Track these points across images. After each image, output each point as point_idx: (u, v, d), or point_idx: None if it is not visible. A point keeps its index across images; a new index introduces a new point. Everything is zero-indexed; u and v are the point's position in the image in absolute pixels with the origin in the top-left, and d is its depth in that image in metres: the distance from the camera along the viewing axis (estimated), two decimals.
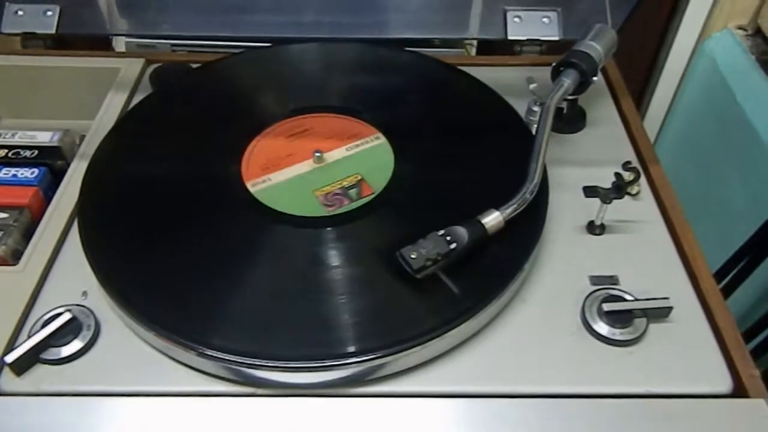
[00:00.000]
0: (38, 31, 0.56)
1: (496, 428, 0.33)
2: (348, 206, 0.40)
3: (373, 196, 0.41)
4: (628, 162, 0.41)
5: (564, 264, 0.40)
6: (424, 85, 0.49)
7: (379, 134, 0.45)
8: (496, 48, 0.58)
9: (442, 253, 0.35)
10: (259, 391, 0.34)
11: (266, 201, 0.40)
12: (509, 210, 0.38)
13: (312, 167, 0.43)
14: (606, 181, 0.41)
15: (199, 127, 0.46)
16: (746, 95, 0.99)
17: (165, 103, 0.48)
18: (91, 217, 0.40)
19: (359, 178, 0.42)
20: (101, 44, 0.62)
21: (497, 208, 0.37)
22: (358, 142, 0.44)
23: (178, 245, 0.39)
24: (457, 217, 0.37)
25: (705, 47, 1.14)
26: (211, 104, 0.48)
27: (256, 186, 0.41)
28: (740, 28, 1.41)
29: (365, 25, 0.58)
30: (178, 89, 0.50)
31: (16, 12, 0.57)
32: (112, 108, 0.51)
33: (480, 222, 0.37)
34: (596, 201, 0.42)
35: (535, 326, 0.37)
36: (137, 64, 0.55)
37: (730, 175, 0.86)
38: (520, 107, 0.48)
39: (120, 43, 0.63)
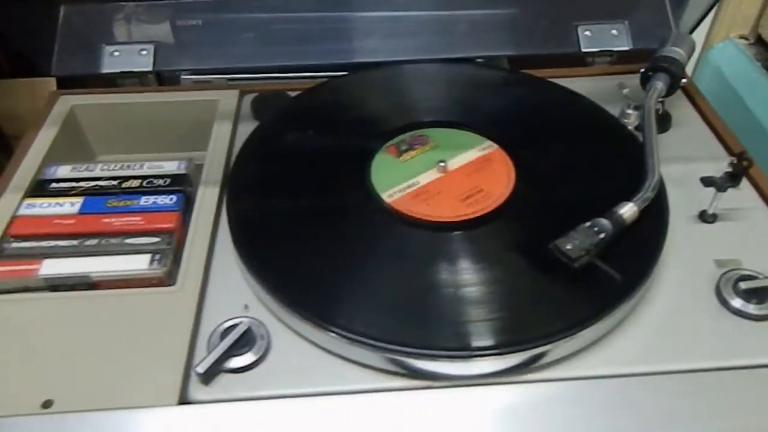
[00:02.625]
0: (135, 70, 0.59)
1: (656, 404, 0.35)
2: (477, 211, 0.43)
3: (502, 201, 0.43)
4: (744, 152, 0.44)
5: (688, 251, 0.43)
6: (527, 99, 0.53)
7: (493, 143, 0.48)
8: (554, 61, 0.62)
9: (593, 243, 0.37)
10: (435, 384, 0.36)
11: (405, 210, 0.43)
12: (640, 201, 0.40)
13: (436, 176, 0.46)
14: (700, 174, 0.45)
15: (324, 145, 0.49)
16: (756, 100, 1.04)
17: (283, 127, 0.51)
18: (246, 236, 0.42)
19: (480, 188, 0.44)
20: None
21: (629, 200, 0.40)
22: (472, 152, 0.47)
23: (333, 253, 0.41)
24: (582, 214, 0.40)
25: (709, 57, 1.19)
26: (329, 124, 0.51)
27: (392, 197, 0.44)
28: (742, 37, 1.48)
29: (429, 48, 0.61)
30: (291, 113, 0.52)
31: (112, 53, 0.59)
32: (221, 136, 0.53)
33: (618, 213, 0.39)
34: (697, 193, 0.45)
35: (675, 308, 0.40)
36: (233, 95, 0.58)
37: None
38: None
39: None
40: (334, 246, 0.41)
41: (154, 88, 0.59)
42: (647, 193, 0.41)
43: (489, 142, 0.48)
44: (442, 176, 0.46)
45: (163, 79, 0.62)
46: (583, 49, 0.60)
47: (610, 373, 0.37)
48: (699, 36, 1.26)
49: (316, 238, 0.42)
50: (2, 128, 1.18)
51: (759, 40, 1.37)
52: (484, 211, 0.42)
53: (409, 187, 0.44)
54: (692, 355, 0.37)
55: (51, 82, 1.44)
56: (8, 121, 1.16)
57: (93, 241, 0.43)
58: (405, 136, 0.49)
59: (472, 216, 0.42)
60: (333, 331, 0.36)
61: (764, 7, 1.35)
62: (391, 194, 0.44)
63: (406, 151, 0.48)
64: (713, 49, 1.21)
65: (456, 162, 0.46)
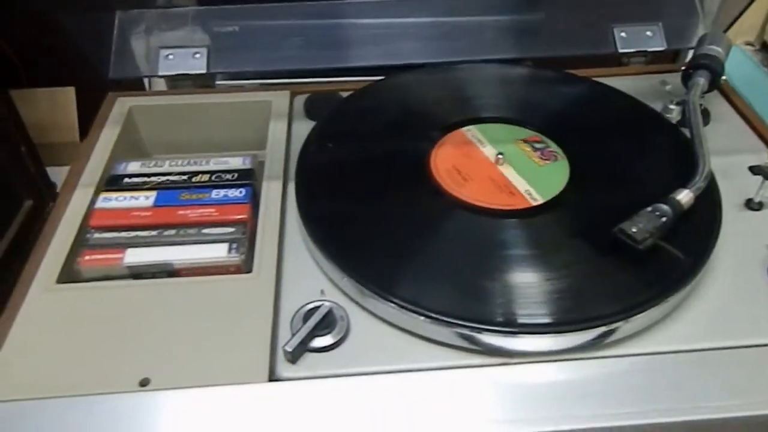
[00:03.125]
0: (190, 72, 0.61)
1: (719, 377, 0.37)
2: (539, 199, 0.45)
3: (559, 190, 0.46)
4: None
5: (738, 236, 0.45)
6: (574, 97, 0.55)
7: (546, 138, 0.50)
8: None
9: (656, 226, 0.40)
10: (513, 360, 0.38)
11: (471, 200, 0.45)
12: (695, 188, 0.43)
13: (486, 162, 0.48)
14: (740, 165, 0.47)
15: (382, 139, 0.51)
16: (763, 104, 1.07)
17: (340, 124, 0.53)
18: (321, 225, 0.44)
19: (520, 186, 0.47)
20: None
21: (685, 186, 0.43)
22: (537, 156, 0.49)
23: (404, 238, 0.43)
24: (636, 203, 0.42)
25: None
26: (384, 119, 0.53)
27: (454, 190, 0.46)
28: (748, 44, 1.51)
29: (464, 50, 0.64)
30: (349, 110, 0.55)
31: (167, 56, 0.61)
32: (278, 133, 0.55)
33: (676, 198, 0.42)
34: (740, 183, 0.48)
35: (731, 289, 0.42)
36: (284, 96, 0.60)
37: None
38: None
39: None
40: (405, 231, 0.43)
41: (207, 89, 0.62)
42: (700, 182, 0.43)
43: (543, 138, 0.50)
44: (499, 166, 0.48)
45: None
46: (620, 50, 0.62)
47: (676, 349, 0.39)
48: None
49: (387, 224, 0.44)
50: (30, 137, 1.20)
51: (764, 47, 1.40)
52: (547, 199, 0.45)
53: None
54: (751, 331, 0.39)
55: (71, 92, 1.46)
56: (30, 130, 1.18)
57: (171, 232, 0.45)
58: (459, 131, 0.51)
59: (539, 203, 0.44)
60: (414, 311, 0.38)
61: None
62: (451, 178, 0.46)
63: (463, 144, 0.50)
64: None
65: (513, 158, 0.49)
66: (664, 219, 0.40)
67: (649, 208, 0.41)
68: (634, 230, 0.39)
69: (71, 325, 0.40)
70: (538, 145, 0.50)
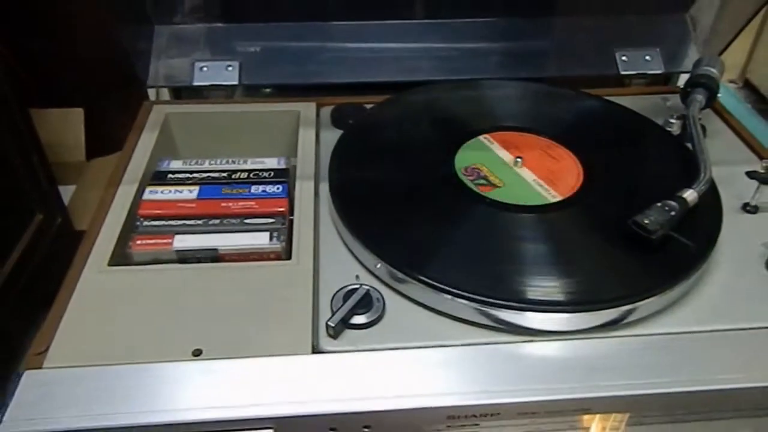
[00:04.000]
0: (223, 83, 0.65)
1: (725, 355, 0.40)
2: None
3: (575, 190, 0.50)
4: None
5: (737, 235, 0.49)
6: (585, 111, 0.60)
7: (570, 154, 0.54)
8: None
9: (667, 218, 0.44)
10: (536, 338, 0.41)
11: (496, 198, 0.49)
12: (699, 188, 0.47)
13: (506, 164, 0.52)
14: (736, 174, 0.52)
15: (408, 144, 0.55)
16: None
17: (368, 130, 0.57)
18: (357, 217, 0.47)
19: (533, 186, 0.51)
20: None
21: (690, 186, 0.47)
22: (553, 164, 0.54)
23: (430, 227, 0.46)
24: (642, 202, 0.46)
25: None
26: (409, 127, 0.57)
27: (481, 190, 0.50)
28: (731, 81, 1.59)
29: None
30: (372, 119, 0.59)
31: (201, 68, 0.65)
32: (308, 139, 0.59)
33: (683, 196, 0.46)
34: (736, 189, 0.52)
35: (733, 280, 0.46)
36: (311, 107, 0.64)
37: None
38: None
39: None
40: (434, 224, 0.47)
41: (237, 99, 0.66)
42: (702, 184, 0.48)
43: (567, 151, 0.55)
44: (517, 169, 0.52)
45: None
46: (622, 72, 0.67)
47: (685, 330, 0.42)
48: None
49: (416, 217, 0.48)
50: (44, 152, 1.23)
51: (747, 84, 1.48)
52: (565, 197, 0.49)
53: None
54: (750, 317, 0.43)
55: (79, 113, 1.50)
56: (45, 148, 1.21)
57: (215, 221, 0.48)
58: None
59: (558, 200, 0.49)
60: (446, 291, 0.41)
61: (750, 55, 1.47)
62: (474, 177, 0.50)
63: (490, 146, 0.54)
64: None
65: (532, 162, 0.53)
66: (673, 213, 0.44)
67: (659, 204, 0.45)
68: (646, 222, 0.43)
69: (125, 303, 0.43)
70: (550, 151, 0.54)
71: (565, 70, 0.68)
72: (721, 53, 0.63)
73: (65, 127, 1.40)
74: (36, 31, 1.21)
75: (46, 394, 0.37)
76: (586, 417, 0.41)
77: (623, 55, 0.68)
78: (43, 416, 0.36)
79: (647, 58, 0.68)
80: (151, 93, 0.67)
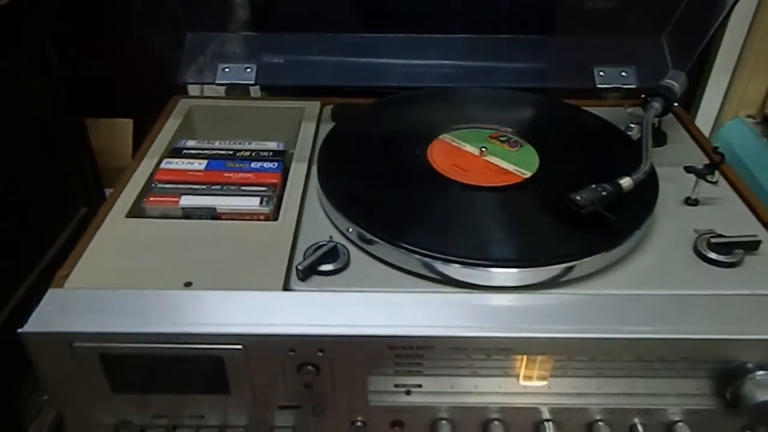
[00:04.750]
0: (241, 82, 0.75)
1: (655, 312, 0.46)
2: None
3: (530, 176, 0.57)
4: (716, 147, 0.57)
5: (674, 222, 0.55)
6: (569, 119, 0.68)
7: (528, 145, 0.61)
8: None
9: (598, 197, 0.50)
10: (475, 291, 0.48)
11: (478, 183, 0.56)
12: (635, 177, 0.53)
13: (473, 153, 0.60)
14: (689, 177, 0.58)
15: (387, 134, 0.63)
16: (764, 172, 1.18)
17: (355, 124, 0.66)
18: (334, 189, 0.55)
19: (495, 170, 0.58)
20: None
21: (629, 175, 0.53)
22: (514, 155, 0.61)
23: (393, 196, 0.54)
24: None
25: (721, 133, 1.34)
26: (388, 123, 0.65)
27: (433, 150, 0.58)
28: (749, 116, 1.63)
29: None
30: (363, 115, 0.67)
31: (224, 69, 0.75)
32: (308, 130, 0.68)
33: (618, 182, 0.52)
34: (685, 187, 0.58)
35: (663, 257, 0.52)
36: (316, 105, 0.73)
37: None
38: None
39: None
40: (399, 196, 0.55)
41: (252, 97, 0.75)
42: (640, 174, 0.54)
43: (529, 146, 0.62)
44: (480, 158, 0.59)
45: None
46: (598, 85, 0.74)
47: (611, 293, 0.48)
48: (711, 115, 1.41)
49: (386, 191, 0.56)
50: (93, 153, 1.36)
51: (765, 119, 1.52)
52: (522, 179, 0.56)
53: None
54: (672, 285, 0.49)
55: (129, 123, 1.63)
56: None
57: (217, 187, 0.57)
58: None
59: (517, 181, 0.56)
60: (405, 249, 0.49)
61: None
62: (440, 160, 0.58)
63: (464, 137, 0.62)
64: (724, 127, 1.36)
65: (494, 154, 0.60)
66: (604, 193, 0.50)
67: (594, 185, 0.51)
68: (578, 198, 0.50)
69: (136, 245, 0.51)
70: (503, 138, 0.61)
71: (547, 82, 0.75)
72: (686, 70, 0.69)
73: (114, 136, 1.54)
74: (93, 50, 1.36)
75: (64, 307, 0.46)
76: (516, 363, 0.47)
77: (601, 71, 0.75)
78: (59, 322, 0.45)
79: (623, 74, 0.75)
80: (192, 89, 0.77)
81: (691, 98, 1.39)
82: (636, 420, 0.49)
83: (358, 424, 0.49)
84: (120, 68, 1.40)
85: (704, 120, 1.39)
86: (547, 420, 0.49)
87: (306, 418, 0.49)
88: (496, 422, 0.49)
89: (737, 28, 1.30)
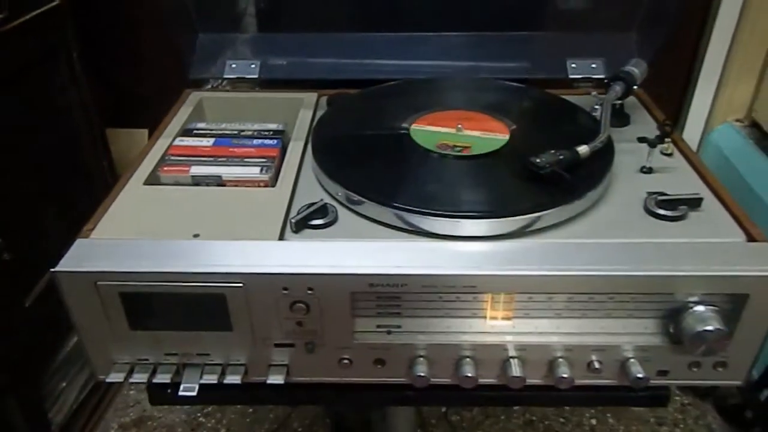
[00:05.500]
0: (247, 76, 0.83)
1: (604, 255, 0.52)
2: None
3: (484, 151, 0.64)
4: (665, 119, 0.64)
5: (629, 187, 0.62)
6: (539, 103, 0.75)
7: (503, 124, 0.68)
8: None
9: (554, 160, 0.57)
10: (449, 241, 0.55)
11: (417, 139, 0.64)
12: (592, 145, 0.60)
13: (451, 131, 0.66)
14: (645, 149, 0.64)
15: (371, 115, 0.71)
16: (753, 174, 1.24)
17: (345, 108, 0.73)
18: (326, 159, 0.63)
19: (468, 145, 0.64)
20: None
21: (586, 143, 0.60)
22: (487, 131, 0.68)
23: (377, 164, 0.62)
24: None
25: (710, 138, 1.41)
26: (373, 106, 0.73)
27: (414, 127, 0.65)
28: (738, 120, 1.69)
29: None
30: (354, 102, 0.75)
31: (231, 65, 0.84)
32: (305, 115, 0.75)
33: (575, 149, 0.59)
34: (639, 158, 0.64)
35: (616, 213, 0.58)
36: (313, 96, 0.81)
37: None
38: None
39: None
40: (381, 165, 0.62)
41: (256, 89, 0.83)
42: (597, 143, 0.61)
43: (501, 124, 0.68)
44: (457, 133, 0.66)
45: None
46: (570, 76, 0.81)
47: (568, 241, 0.55)
48: (700, 121, 1.47)
49: (369, 159, 0.63)
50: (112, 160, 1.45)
51: (753, 123, 1.58)
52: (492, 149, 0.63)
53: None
54: (620, 234, 0.55)
55: (144, 133, 1.73)
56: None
57: (222, 159, 0.64)
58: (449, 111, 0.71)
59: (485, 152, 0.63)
60: (390, 206, 0.55)
61: (756, 95, 1.56)
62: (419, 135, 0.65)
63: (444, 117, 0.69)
64: (714, 132, 1.43)
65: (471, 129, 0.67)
66: (561, 157, 0.57)
67: (553, 150, 0.58)
68: (538, 161, 0.57)
69: (152, 206, 0.59)
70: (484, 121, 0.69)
71: (525, 74, 0.83)
72: (650, 60, 0.76)
73: (132, 146, 1.63)
74: (114, 65, 1.45)
75: (89, 253, 0.53)
76: (483, 304, 0.54)
77: (573, 63, 0.82)
78: (85, 263, 0.52)
79: (593, 65, 0.82)
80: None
81: (681, 105, 1.45)
82: (593, 357, 0.55)
83: (345, 361, 0.56)
84: (137, 77, 1.48)
85: (694, 126, 1.45)
86: (513, 357, 0.55)
87: (299, 356, 0.56)
88: (467, 359, 0.55)
89: (722, 36, 1.36)
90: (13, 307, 0.98)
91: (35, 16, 0.99)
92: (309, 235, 0.56)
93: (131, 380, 0.56)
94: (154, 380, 0.56)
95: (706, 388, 1.30)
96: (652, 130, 0.73)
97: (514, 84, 0.77)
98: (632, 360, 0.55)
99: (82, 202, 1.22)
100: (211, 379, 0.56)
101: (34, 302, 1.02)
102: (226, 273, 0.51)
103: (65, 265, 0.52)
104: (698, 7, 1.22)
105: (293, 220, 0.55)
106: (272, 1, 0.84)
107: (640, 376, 0.54)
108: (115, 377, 0.56)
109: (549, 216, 0.55)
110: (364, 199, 0.57)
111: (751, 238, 0.55)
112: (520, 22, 0.84)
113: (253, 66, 0.83)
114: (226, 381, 0.56)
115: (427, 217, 0.55)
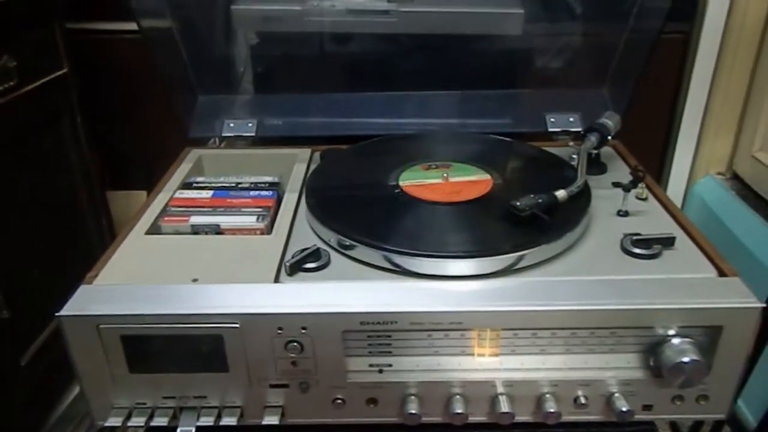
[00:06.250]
0: (244, 135, 0.87)
1: (584, 291, 0.55)
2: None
3: (485, 193, 0.67)
4: (637, 165, 0.68)
5: (606, 228, 0.65)
6: (521, 154, 0.80)
7: (487, 174, 0.72)
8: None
9: (534, 204, 0.60)
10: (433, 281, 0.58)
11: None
12: (569, 190, 0.64)
13: (437, 181, 0.70)
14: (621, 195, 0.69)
15: (361, 168, 0.75)
16: (736, 223, 1.28)
17: (337, 161, 0.77)
18: (319, 207, 0.66)
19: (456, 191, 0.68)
20: None
21: (564, 189, 0.64)
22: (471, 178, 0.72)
23: (366, 211, 0.65)
24: None
25: (694, 191, 1.47)
26: (363, 160, 0.77)
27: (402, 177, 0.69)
28: (719, 173, 1.74)
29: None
30: (345, 155, 0.79)
31: (229, 124, 0.88)
32: (300, 169, 0.79)
33: (553, 193, 0.63)
34: (616, 203, 0.68)
35: (595, 253, 0.61)
36: (307, 151, 0.85)
37: None
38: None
39: None
40: (371, 213, 0.65)
41: (252, 146, 0.87)
42: (573, 188, 0.65)
43: (485, 173, 0.72)
44: (443, 183, 0.70)
45: None
46: (549, 129, 0.86)
47: (548, 279, 0.58)
48: (683, 175, 1.52)
49: (359, 207, 0.66)
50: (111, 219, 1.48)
51: (734, 176, 1.63)
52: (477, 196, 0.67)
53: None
54: (600, 273, 0.58)
55: (143, 195, 1.76)
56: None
57: (220, 209, 0.67)
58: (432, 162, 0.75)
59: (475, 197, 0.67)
60: (381, 249, 0.58)
61: (735, 149, 1.62)
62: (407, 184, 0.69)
63: (430, 168, 0.73)
64: (697, 184, 1.48)
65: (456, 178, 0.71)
66: (540, 200, 0.61)
67: (532, 195, 0.62)
68: (518, 204, 0.60)
69: (153, 255, 0.62)
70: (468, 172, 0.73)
71: (507, 128, 0.87)
72: (621, 113, 0.81)
73: (129, 207, 1.67)
74: (115, 129, 1.50)
75: (92, 298, 0.56)
76: (471, 342, 0.56)
77: (551, 117, 0.87)
78: (88, 308, 0.54)
79: (571, 119, 0.87)
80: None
81: (663, 160, 1.50)
82: (579, 392, 0.57)
83: (338, 401, 0.58)
84: (137, 140, 1.53)
85: (677, 179, 1.50)
86: (501, 393, 0.57)
87: (294, 397, 0.57)
88: (457, 396, 0.57)
89: (697, 94, 1.43)
90: (10, 365, 0.99)
91: (43, 83, 1.04)
92: (303, 278, 0.58)
93: (129, 424, 0.57)
94: (152, 423, 0.57)
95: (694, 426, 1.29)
96: (628, 177, 0.77)
97: (494, 137, 0.82)
98: (617, 394, 0.57)
99: (81, 262, 1.25)
100: (207, 421, 0.57)
101: (29, 361, 1.03)
102: (223, 314, 0.54)
103: (69, 309, 0.54)
104: (674, 67, 1.29)
105: (288, 264, 0.58)
106: (268, 64, 0.90)
107: (624, 409, 0.56)
108: (114, 421, 0.57)
109: (531, 255, 0.58)
110: (355, 243, 0.60)
111: (722, 273, 0.58)
112: (501, 80, 0.90)
113: (250, 125, 0.88)
114: (222, 423, 0.57)
115: (415, 258, 0.57)
